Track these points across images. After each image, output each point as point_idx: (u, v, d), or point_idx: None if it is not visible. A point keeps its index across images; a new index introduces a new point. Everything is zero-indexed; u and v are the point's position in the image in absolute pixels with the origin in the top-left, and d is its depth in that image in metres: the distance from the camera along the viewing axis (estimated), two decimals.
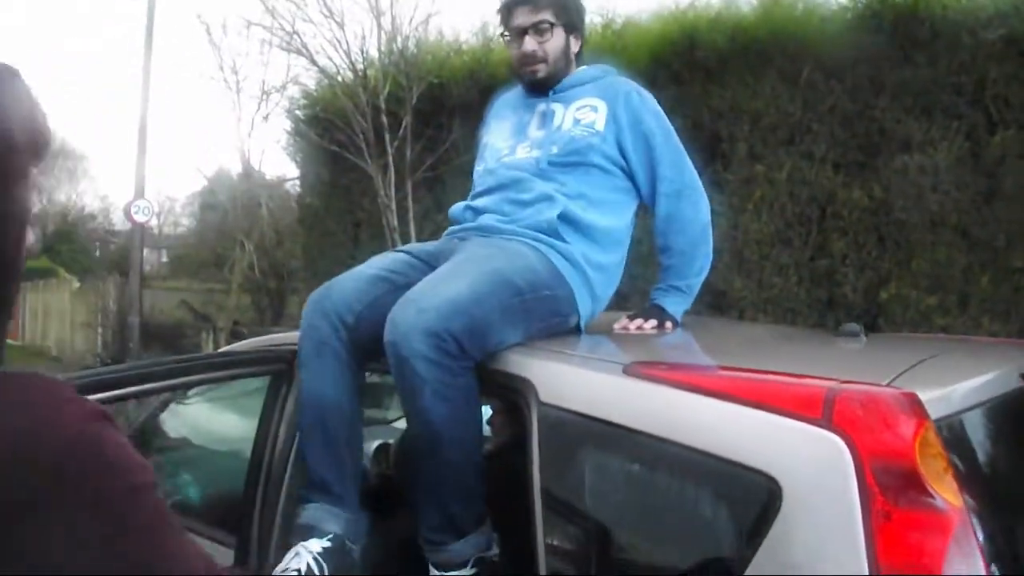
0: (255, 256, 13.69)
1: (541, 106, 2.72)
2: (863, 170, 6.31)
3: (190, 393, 3.53)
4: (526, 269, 2.38)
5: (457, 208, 2.75)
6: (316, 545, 2.18)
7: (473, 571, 2.14)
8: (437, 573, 2.17)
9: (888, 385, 1.67)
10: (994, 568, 1.54)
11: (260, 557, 2.50)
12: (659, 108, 2.69)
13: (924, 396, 1.63)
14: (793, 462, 1.63)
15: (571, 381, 2.04)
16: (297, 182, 11.01)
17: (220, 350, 3.33)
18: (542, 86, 2.72)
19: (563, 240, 2.51)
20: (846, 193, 6.31)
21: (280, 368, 2.69)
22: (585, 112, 2.63)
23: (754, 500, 1.63)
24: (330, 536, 2.21)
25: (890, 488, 1.53)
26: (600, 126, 2.62)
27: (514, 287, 2.30)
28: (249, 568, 2.53)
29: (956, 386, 1.81)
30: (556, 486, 1.94)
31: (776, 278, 6.35)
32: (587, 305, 2.54)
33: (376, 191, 8.41)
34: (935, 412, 1.63)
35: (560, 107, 2.69)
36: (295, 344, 2.50)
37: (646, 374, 1.91)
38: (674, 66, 6.87)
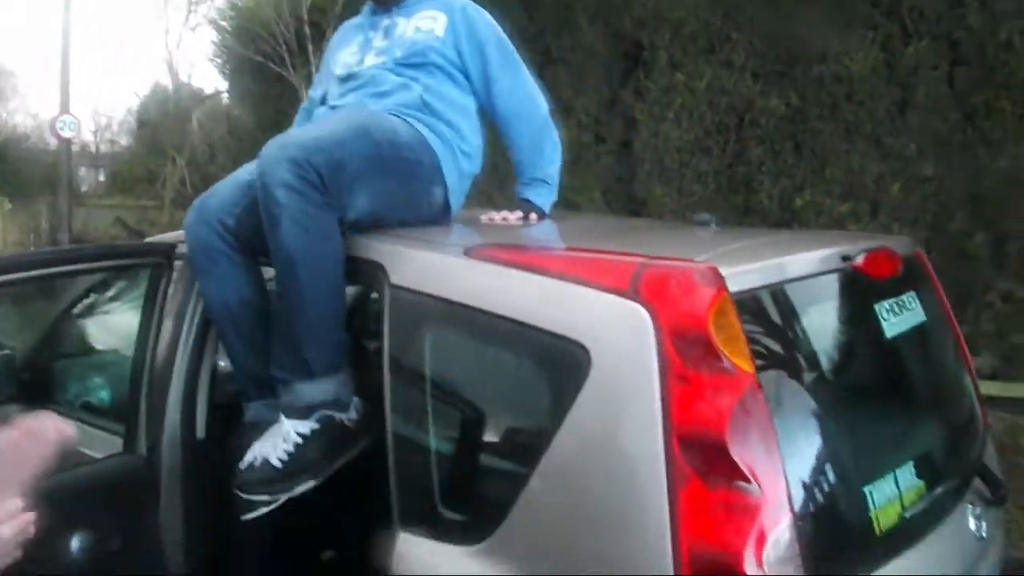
0: (186, 171, 13.51)
1: (385, 21, 2.83)
2: (781, 79, 6.36)
3: (97, 300, 3.54)
4: (389, 130, 2.47)
5: (320, 109, 2.79)
6: (268, 442, 2.22)
7: (317, 425, 2.21)
8: (284, 420, 2.23)
9: (696, 261, 1.73)
10: (784, 441, 1.62)
11: (148, 443, 2.55)
12: (493, 20, 2.80)
13: (727, 271, 1.70)
14: (602, 331, 1.70)
15: (418, 264, 2.09)
16: (226, 95, 10.84)
17: (100, 244, 3.30)
18: (385, 2, 2.83)
19: (429, 115, 2.57)
20: (764, 101, 6.37)
21: (158, 261, 2.71)
22: (425, 21, 2.73)
23: (569, 366, 1.71)
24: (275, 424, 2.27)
25: (687, 354, 1.61)
26: (440, 32, 2.72)
27: (374, 140, 2.38)
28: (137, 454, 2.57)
29: (766, 263, 1.88)
30: (403, 359, 2.01)
31: (695, 185, 6.44)
32: (453, 178, 2.62)
33: (301, 101, 8.33)
34: (737, 285, 1.70)
35: (403, 19, 2.78)
36: (179, 240, 2.53)
37: (482, 255, 1.97)
38: None
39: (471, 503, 1.88)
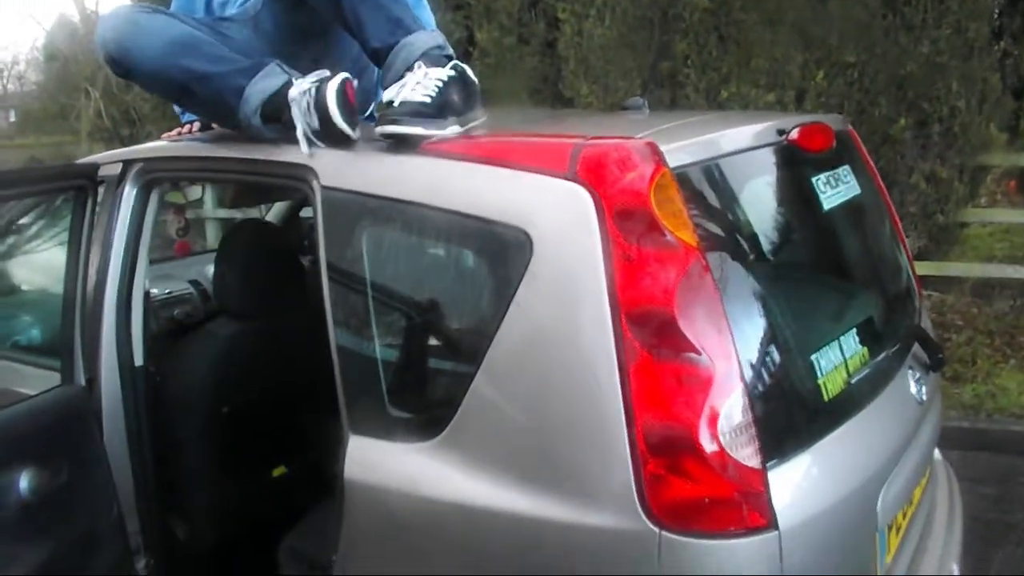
0: (102, 103, 13.04)
1: None
2: None
3: (16, 231, 3.40)
4: None
5: None
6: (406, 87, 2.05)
7: (453, 72, 2.09)
8: (421, 66, 2.13)
9: (634, 139, 1.70)
10: (731, 312, 1.62)
11: (87, 375, 2.48)
12: None
13: (665, 146, 1.67)
14: (542, 215, 1.68)
15: (348, 164, 2.03)
16: None
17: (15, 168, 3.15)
18: None
19: None
20: None
21: (81, 184, 2.60)
22: None
23: (510, 253, 1.68)
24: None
25: (629, 231, 1.59)
26: None
27: None
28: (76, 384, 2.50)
29: (702, 138, 1.86)
30: (341, 263, 1.96)
31: (621, 82, 6.37)
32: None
33: None
34: (676, 160, 1.68)
35: None
36: (101, 163, 2.44)
37: (416, 148, 1.91)
38: None
39: (421, 401, 1.86)
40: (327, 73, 2.11)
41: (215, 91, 2.22)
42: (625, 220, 1.59)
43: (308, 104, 2.06)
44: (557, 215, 1.66)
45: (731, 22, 6.27)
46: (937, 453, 2.76)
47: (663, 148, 1.67)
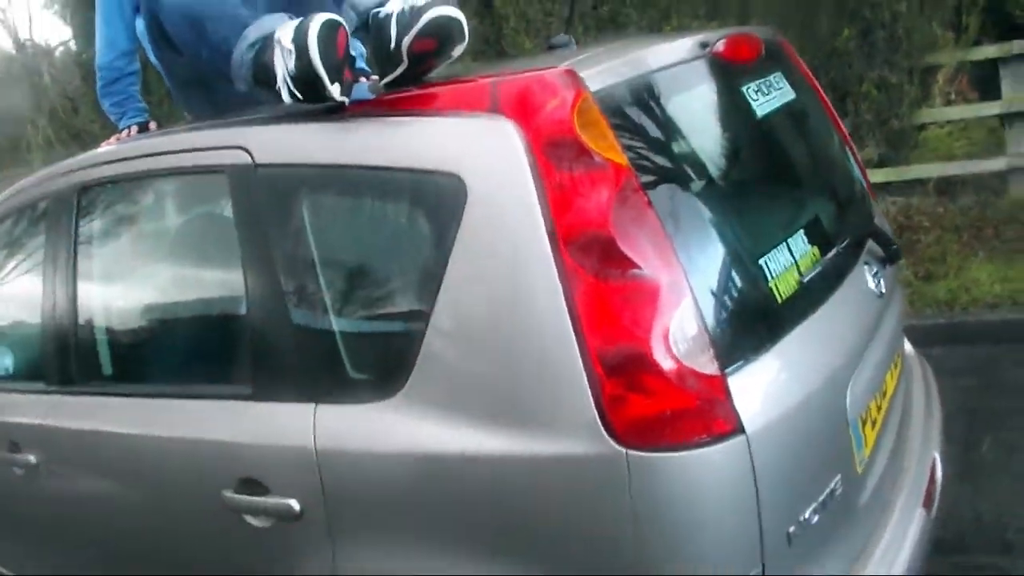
0: (50, 130, 12.87)
1: None
2: None
3: None
4: None
5: None
6: None
7: None
8: None
9: (551, 68, 1.69)
10: (671, 225, 1.62)
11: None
12: None
13: (585, 71, 1.66)
14: (471, 156, 1.68)
15: (279, 138, 2.02)
16: (73, 42, 10.28)
17: None
18: None
19: None
20: None
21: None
22: None
23: (446, 199, 1.68)
24: None
25: (558, 158, 1.59)
26: None
27: None
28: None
29: (624, 58, 1.85)
30: (286, 238, 1.94)
31: (563, 32, 6.31)
32: None
33: None
34: (598, 83, 1.67)
35: None
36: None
37: (344, 112, 1.90)
38: None
39: (380, 361, 1.85)
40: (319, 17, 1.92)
41: (225, 31, 2.14)
42: (552, 148, 1.59)
43: (290, 48, 1.90)
44: (485, 153, 1.66)
45: None
46: (909, 347, 2.78)
47: (584, 73, 1.67)
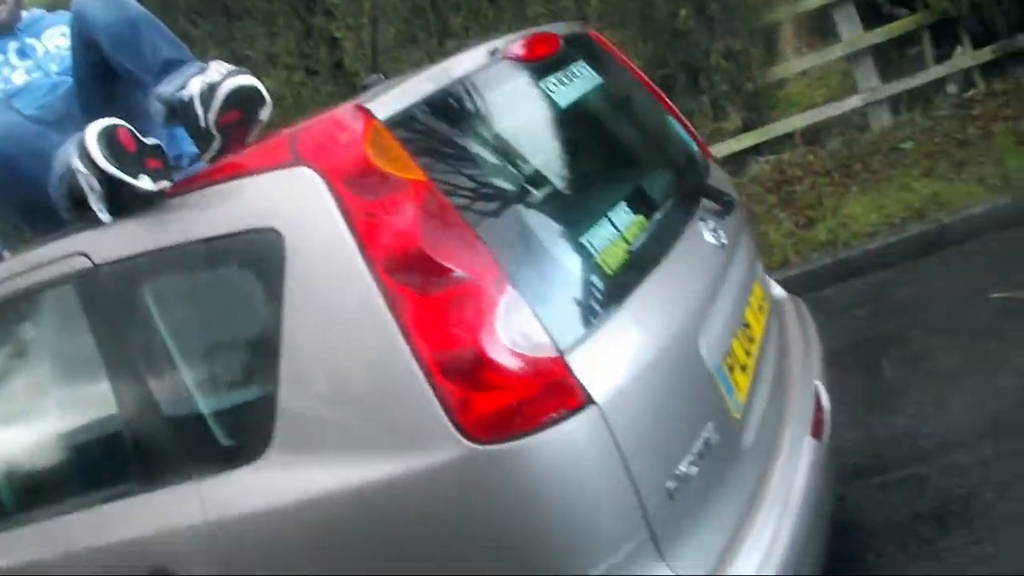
0: None
1: (12, 44, 2.85)
2: None
3: None
4: None
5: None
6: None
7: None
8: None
9: (345, 106, 1.76)
10: (484, 225, 1.69)
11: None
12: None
13: (374, 103, 1.73)
14: (284, 207, 1.74)
15: (113, 235, 2.04)
16: None
17: None
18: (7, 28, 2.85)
19: None
20: None
21: None
22: (58, 39, 2.84)
23: (270, 254, 1.73)
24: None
25: (360, 189, 1.65)
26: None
27: None
28: None
29: (413, 81, 1.92)
30: (135, 327, 1.97)
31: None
32: None
33: None
34: (389, 110, 1.74)
35: (34, 40, 2.86)
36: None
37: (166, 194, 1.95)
38: None
39: (244, 424, 1.89)
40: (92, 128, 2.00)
41: (37, 170, 2.25)
42: (353, 181, 1.65)
43: (84, 170, 1.97)
44: (295, 202, 1.72)
45: None
46: (780, 291, 2.89)
47: (374, 103, 1.74)
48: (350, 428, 1.70)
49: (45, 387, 2.33)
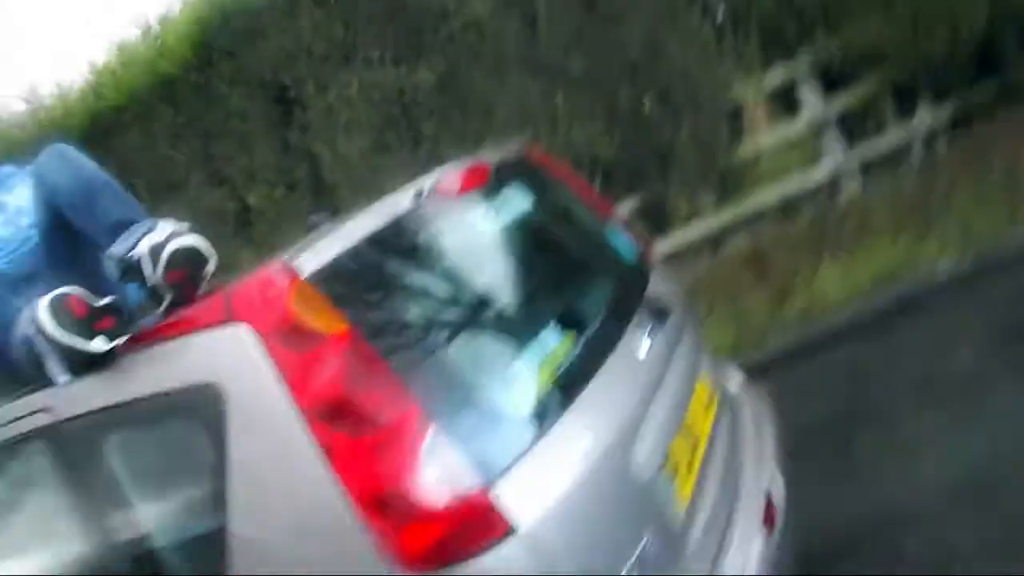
0: None
1: None
2: (417, 56, 6.61)
3: None
4: None
5: None
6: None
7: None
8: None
9: (270, 265, 1.88)
10: (408, 369, 1.80)
11: None
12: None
13: (302, 257, 1.86)
14: (222, 363, 1.85)
15: (74, 392, 2.16)
16: None
17: None
18: None
19: None
20: (413, 79, 6.61)
21: None
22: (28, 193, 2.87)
23: (211, 409, 1.84)
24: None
25: (287, 344, 1.77)
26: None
27: None
28: None
29: (341, 232, 2.05)
30: (93, 482, 2.10)
31: (390, 183, 6.58)
32: None
33: None
34: (314, 265, 1.87)
35: (6, 194, 2.92)
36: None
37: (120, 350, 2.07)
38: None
39: (198, 565, 1.98)
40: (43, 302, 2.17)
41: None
42: (280, 337, 1.77)
43: (38, 338, 2.13)
44: (232, 357, 1.84)
45: (462, 87, 6.59)
46: (736, 381, 2.97)
47: (301, 259, 1.86)
48: (297, 562, 1.80)
49: (21, 542, 2.42)
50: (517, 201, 2.45)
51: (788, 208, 6.65)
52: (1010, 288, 4.55)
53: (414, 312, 2.00)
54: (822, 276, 5.33)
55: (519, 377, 1.97)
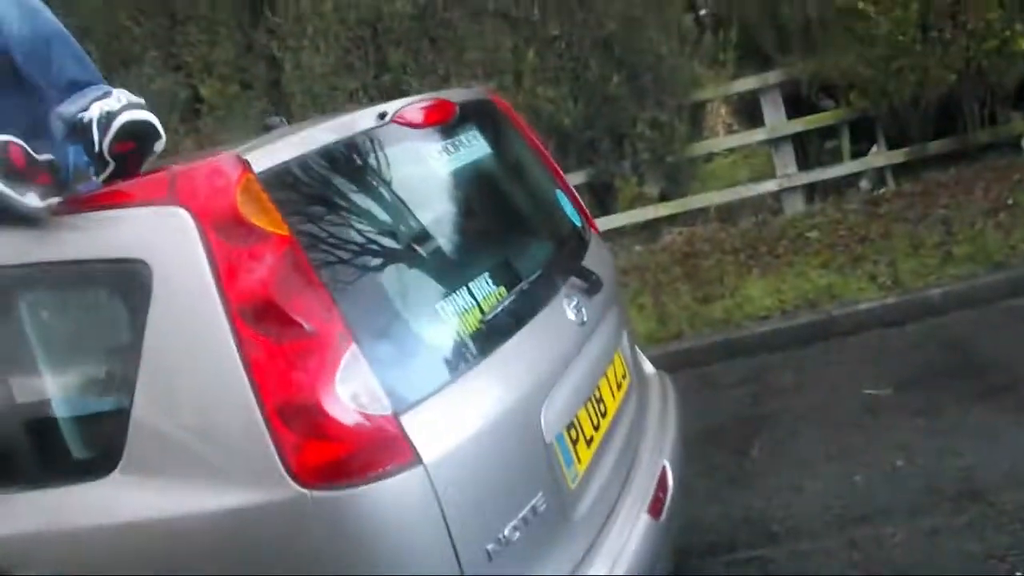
0: None
1: None
2: None
3: None
4: None
5: None
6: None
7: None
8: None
9: (222, 154, 1.85)
10: (339, 285, 1.79)
11: None
12: None
13: (255, 154, 1.83)
14: (154, 241, 1.83)
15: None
16: None
17: None
18: None
19: None
20: (391, 7, 6.52)
21: None
22: None
23: (136, 283, 1.82)
24: None
25: (227, 235, 1.74)
26: None
27: None
28: None
29: (297, 137, 2.02)
30: (5, 334, 2.05)
31: (349, 104, 6.53)
32: None
33: None
34: (266, 163, 1.84)
35: None
36: None
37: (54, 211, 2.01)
38: None
39: (96, 441, 1.96)
40: None
41: None
42: (221, 227, 1.74)
43: None
44: (165, 239, 1.80)
45: (439, 23, 6.52)
46: (650, 367, 3.02)
47: (254, 154, 1.83)
48: (191, 456, 1.79)
49: None
50: (475, 145, 2.43)
51: (729, 214, 6.75)
52: (924, 334, 4.70)
53: (354, 232, 1.98)
54: (749, 286, 5.42)
55: (446, 316, 1.97)
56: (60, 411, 2.00)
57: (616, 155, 6.48)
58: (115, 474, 1.87)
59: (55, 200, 2.03)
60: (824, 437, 3.95)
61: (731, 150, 7.76)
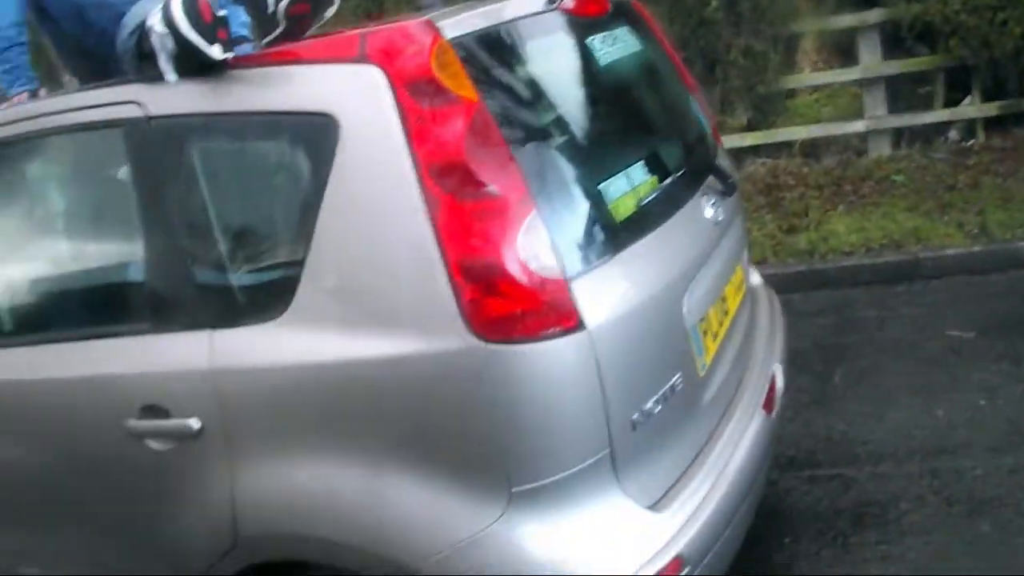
0: None
1: None
2: None
3: None
4: None
5: None
6: None
7: None
8: None
9: (412, 20, 1.91)
10: (519, 152, 1.86)
11: None
12: None
13: (443, 22, 1.89)
14: (343, 97, 1.89)
15: (170, 92, 2.17)
16: None
17: None
18: None
19: None
20: None
21: None
22: None
23: (321, 136, 1.89)
24: None
25: (418, 96, 1.81)
26: None
27: None
28: None
29: (477, 12, 2.07)
30: (177, 183, 2.12)
31: None
32: None
33: None
34: (455, 32, 1.90)
35: None
36: None
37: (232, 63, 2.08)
38: None
39: (266, 286, 2.05)
40: None
41: (104, 22, 2.40)
42: (413, 87, 1.81)
43: (164, 30, 2.08)
44: (355, 95, 1.87)
45: None
46: (758, 278, 3.09)
47: (441, 23, 1.89)
48: (366, 304, 1.87)
49: (81, 218, 2.47)
50: (628, 41, 2.48)
51: (813, 150, 6.72)
52: (1009, 285, 4.72)
53: (530, 106, 2.05)
54: (833, 221, 5.44)
55: (608, 196, 2.04)
56: (229, 256, 2.08)
57: (707, 80, 6.44)
58: (283, 318, 1.97)
59: (231, 54, 2.09)
60: (906, 371, 4.02)
61: (816, 88, 7.67)
